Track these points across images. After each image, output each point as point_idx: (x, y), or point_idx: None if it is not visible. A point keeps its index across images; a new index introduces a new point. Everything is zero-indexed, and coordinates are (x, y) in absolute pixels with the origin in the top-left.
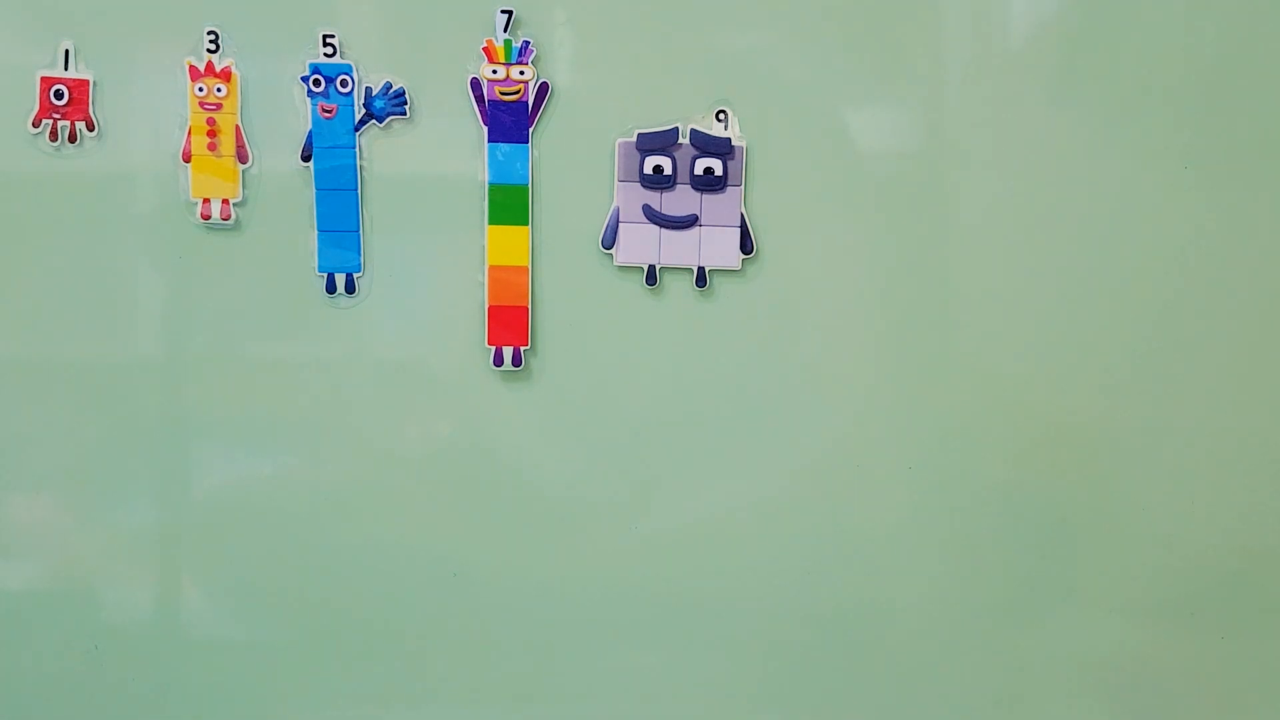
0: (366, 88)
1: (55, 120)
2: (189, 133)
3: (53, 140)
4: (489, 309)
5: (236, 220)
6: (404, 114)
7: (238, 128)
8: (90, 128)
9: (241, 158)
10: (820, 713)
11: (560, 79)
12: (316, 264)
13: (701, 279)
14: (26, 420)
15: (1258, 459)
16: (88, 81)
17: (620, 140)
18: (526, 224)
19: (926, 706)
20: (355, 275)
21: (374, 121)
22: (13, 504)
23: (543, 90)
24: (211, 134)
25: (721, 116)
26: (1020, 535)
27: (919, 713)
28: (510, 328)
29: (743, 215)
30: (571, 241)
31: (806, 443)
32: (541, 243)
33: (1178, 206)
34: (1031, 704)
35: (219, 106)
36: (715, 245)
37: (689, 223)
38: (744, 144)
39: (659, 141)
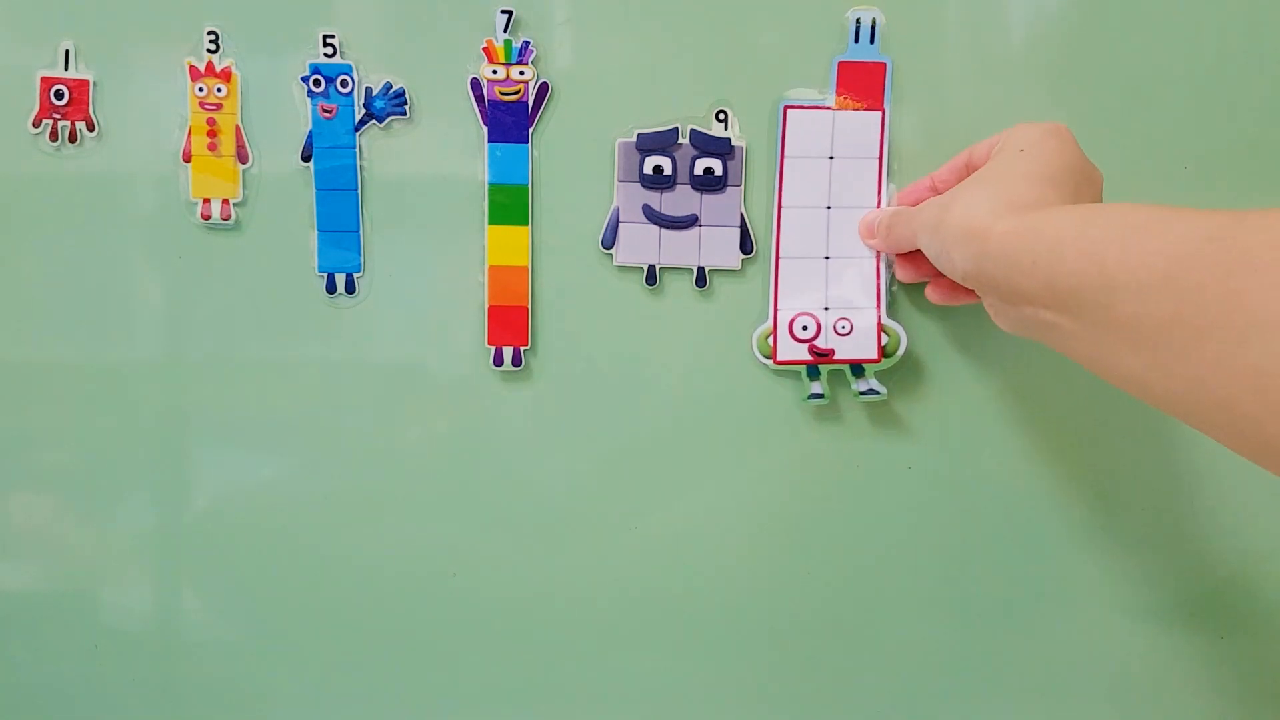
0: (366, 88)
1: (55, 120)
2: (189, 133)
3: (53, 140)
4: (489, 309)
5: (236, 220)
6: (404, 114)
7: (238, 128)
8: (90, 128)
9: (241, 158)
10: (820, 713)
11: (560, 79)
12: (316, 264)
13: (701, 279)
14: (26, 420)
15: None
16: (88, 81)
17: (620, 140)
18: (526, 224)
19: (927, 707)
20: (355, 275)
21: (374, 121)
22: (13, 504)
23: (543, 90)
24: (211, 134)
25: (721, 116)
26: (1019, 535)
27: (919, 713)
28: (510, 328)
29: (743, 215)
30: (571, 241)
31: (806, 442)
32: (541, 243)
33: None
34: (1031, 704)
35: (219, 106)
36: (715, 245)
37: (689, 223)
38: (744, 144)
39: (659, 141)
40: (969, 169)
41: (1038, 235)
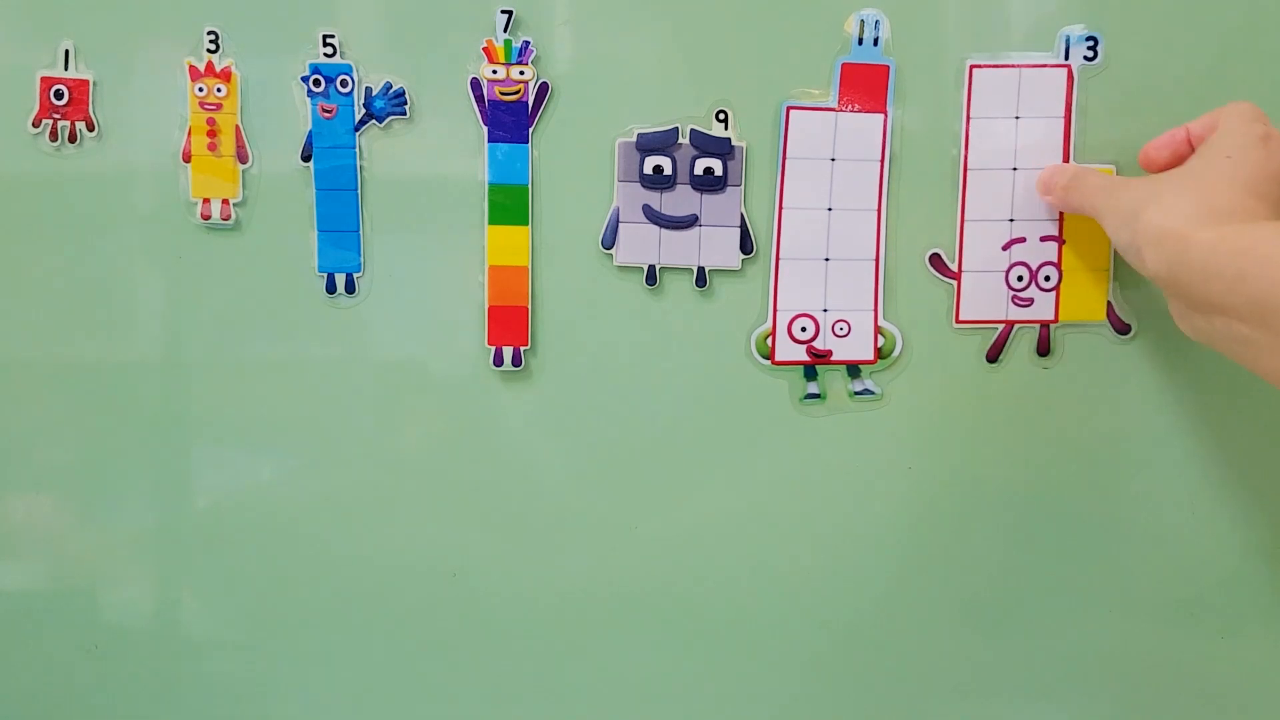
0: (366, 88)
1: (55, 120)
2: (189, 133)
3: (53, 140)
4: (489, 309)
5: (236, 220)
6: (404, 114)
7: (238, 128)
8: (90, 128)
9: (241, 158)
10: (821, 713)
11: (560, 79)
12: (316, 264)
13: (701, 279)
14: (26, 420)
15: (1258, 458)
16: (88, 81)
17: (620, 140)
18: (526, 224)
19: (926, 707)
20: (355, 275)
21: (374, 121)
22: (13, 504)
23: (543, 90)
24: (211, 134)
25: (721, 116)
26: (1020, 535)
27: (918, 713)
28: (510, 328)
29: (743, 215)
30: (571, 241)
31: (807, 443)
32: (541, 243)
33: None
34: (1030, 704)
35: (219, 106)
36: (715, 245)
37: (689, 223)
38: (744, 144)
39: (659, 141)
40: (1188, 142)
41: (1244, 250)
